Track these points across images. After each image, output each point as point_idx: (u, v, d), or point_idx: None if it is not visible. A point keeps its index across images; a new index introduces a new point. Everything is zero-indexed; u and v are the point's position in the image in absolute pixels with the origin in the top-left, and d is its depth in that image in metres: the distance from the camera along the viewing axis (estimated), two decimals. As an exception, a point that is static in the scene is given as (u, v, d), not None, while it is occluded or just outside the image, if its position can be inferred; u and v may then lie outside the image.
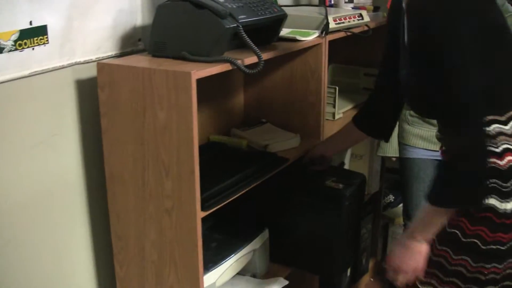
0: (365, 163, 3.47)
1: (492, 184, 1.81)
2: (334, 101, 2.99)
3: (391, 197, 4.04)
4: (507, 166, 1.80)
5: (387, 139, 2.41)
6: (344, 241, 2.53)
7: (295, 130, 2.71)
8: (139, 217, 2.12)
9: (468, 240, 1.90)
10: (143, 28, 2.30)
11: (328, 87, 2.85)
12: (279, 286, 2.45)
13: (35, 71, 1.97)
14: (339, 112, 3.07)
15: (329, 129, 2.85)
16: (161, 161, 1.99)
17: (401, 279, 2.07)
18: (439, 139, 2.03)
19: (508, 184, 1.81)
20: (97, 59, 2.12)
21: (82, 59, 2.13)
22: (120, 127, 2.05)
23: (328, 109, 2.97)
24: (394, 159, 3.18)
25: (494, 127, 1.82)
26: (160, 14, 2.06)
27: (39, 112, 2.03)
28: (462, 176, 1.78)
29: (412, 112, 2.84)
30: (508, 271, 1.94)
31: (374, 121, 2.40)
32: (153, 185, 2.04)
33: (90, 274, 2.37)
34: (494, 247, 1.87)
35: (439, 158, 2.12)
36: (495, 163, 1.81)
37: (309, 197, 2.50)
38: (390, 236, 3.92)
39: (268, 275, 2.59)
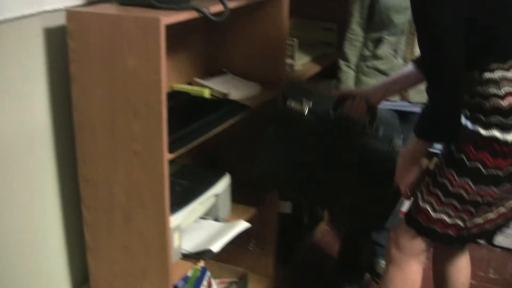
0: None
1: (495, 120, 2.04)
2: (293, 53, 3.07)
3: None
4: (508, 106, 2.02)
5: None
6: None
7: (255, 80, 2.79)
8: (108, 161, 2.19)
9: (472, 165, 2.09)
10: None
11: (287, 39, 2.93)
12: (240, 228, 2.54)
13: (4, 19, 2.00)
14: (297, 64, 3.15)
15: (289, 80, 2.94)
16: (130, 105, 2.06)
17: (403, 190, 2.31)
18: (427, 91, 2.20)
19: (509, 120, 2.03)
20: (65, 8, 2.16)
21: (50, 7, 2.16)
22: (90, 74, 2.10)
23: (288, 61, 3.05)
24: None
25: (498, 74, 2.02)
26: (128, -37, 2.11)
27: (8, 59, 2.07)
28: (438, 115, 2.08)
29: (368, 63, 2.92)
30: (503, 195, 2.16)
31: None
32: (122, 129, 2.11)
33: (58, 220, 2.43)
34: (494, 172, 2.08)
35: (397, 108, 2.28)
36: (498, 103, 2.02)
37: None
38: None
39: (230, 218, 2.70)
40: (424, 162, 2.28)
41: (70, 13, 2.08)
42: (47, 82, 2.22)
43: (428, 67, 2.10)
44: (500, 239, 3.73)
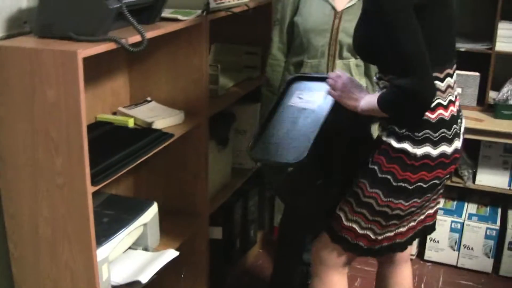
0: (249, 139, 3.60)
1: (408, 134, 2.10)
2: (217, 78, 3.09)
3: (275, 170, 4.19)
4: (436, 119, 2.10)
5: None
6: None
7: (180, 107, 2.79)
8: (32, 196, 2.16)
9: (383, 176, 2.15)
10: (28, 10, 2.32)
11: (210, 65, 2.95)
12: (169, 257, 2.53)
13: None
14: (222, 89, 3.17)
15: (214, 106, 2.97)
16: (51, 139, 2.04)
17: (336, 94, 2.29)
18: (379, 78, 2.21)
19: (420, 134, 2.09)
20: (-16, 42, 2.14)
21: (-34, 43, 2.14)
22: (10, 107, 2.08)
23: (212, 86, 3.06)
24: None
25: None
26: (45, -5, 2.10)
27: None
28: (412, 110, 2.06)
29: None
30: (411, 209, 2.21)
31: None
32: (44, 163, 2.09)
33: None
34: (403, 184, 2.13)
35: None
36: (426, 115, 2.09)
37: None
38: (276, 208, 4.05)
39: (160, 247, 2.68)
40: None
41: (-13, 48, 2.06)
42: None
43: (391, 56, 2.04)
44: (431, 253, 3.80)
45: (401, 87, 1.99)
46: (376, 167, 2.17)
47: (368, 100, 2.18)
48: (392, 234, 2.27)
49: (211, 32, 2.79)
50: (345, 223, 2.25)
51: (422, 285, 3.59)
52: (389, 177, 2.14)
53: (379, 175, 2.16)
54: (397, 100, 2.04)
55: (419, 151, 2.10)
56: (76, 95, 1.95)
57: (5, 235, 2.30)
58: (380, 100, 2.09)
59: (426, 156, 2.11)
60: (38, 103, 2.02)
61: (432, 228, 2.46)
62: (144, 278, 2.36)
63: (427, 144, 2.11)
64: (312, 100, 2.41)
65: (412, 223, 2.32)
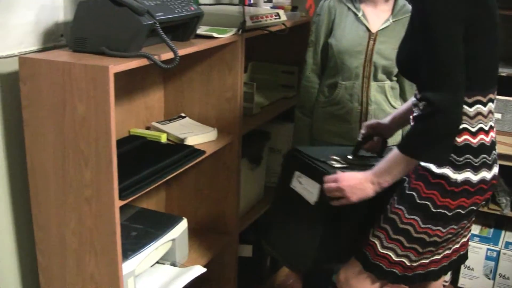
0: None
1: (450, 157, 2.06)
2: (252, 96, 3.10)
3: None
4: (478, 144, 2.07)
5: None
6: None
7: (213, 124, 2.80)
8: (60, 207, 2.19)
9: (422, 202, 2.11)
10: (65, 24, 2.37)
11: (245, 83, 2.96)
12: (196, 273, 2.53)
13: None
14: (257, 108, 3.17)
15: (248, 124, 2.97)
16: (81, 152, 2.07)
17: (336, 200, 2.19)
18: (414, 105, 2.16)
19: (461, 159, 2.06)
20: (19, 54, 2.17)
21: (4, 54, 2.18)
22: (42, 120, 2.12)
23: (247, 104, 3.07)
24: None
25: (475, 108, 2.06)
26: (80, 10, 2.13)
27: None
28: (438, 127, 1.98)
29: (324, 109, 2.94)
30: (448, 235, 2.18)
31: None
32: (73, 175, 2.11)
33: (14, 265, 2.42)
34: (442, 211, 2.10)
35: None
36: (468, 140, 2.06)
37: None
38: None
39: (188, 263, 2.69)
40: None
41: (22, 59, 2.09)
42: (1, 127, 2.23)
43: (428, 69, 2.01)
44: (465, 281, 3.75)
45: (429, 100, 1.95)
46: (414, 193, 2.13)
47: (381, 166, 2.13)
48: (427, 261, 2.23)
49: (248, 50, 2.80)
50: (380, 250, 2.21)
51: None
52: (428, 203, 2.11)
53: (418, 201, 2.12)
54: (423, 123, 2.00)
55: (460, 176, 2.07)
56: (107, 110, 1.97)
57: (34, 244, 2.32)
58: (403, 143, 2.08)
59: (467, 182, 2.08)
60: (69, 116, 2.05)
61: (465, 257, 2.41)
62: (170, 294, 2.37)
63: (468, 169, 2.07)
64: (309, 190, 2.32)
65: (447, 251, 2.28)
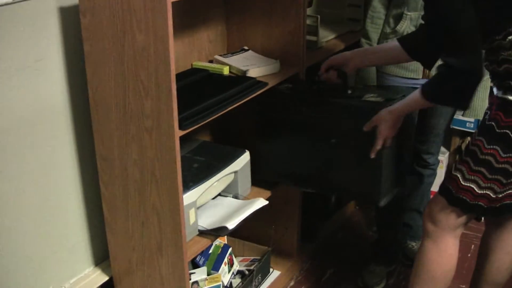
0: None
1: None
2: (316, 30, 3.05)
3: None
4: None
5: (429, 67, 2.45)
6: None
7: (276, 57, 2.77)
8: (122, 138, 2.22)
9: (501, 131, 2.08)
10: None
11: (309, 16, 2.91)
12: (258, 205, 2.54)
13: (19, -1, 2.03)
14: (322, 41, 3.13)
15: (311, 57, 2.93)
16: (141, 82, 2.08)
17: (379, 141, 2.37)
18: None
19: None
20: (78, -14, 2.18)
21: (64, -15, 2.20)
22: (102, 51, 2.13)
23: (311, 37, 3.03)
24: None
25: (509, 38, 2.01)
26: None
27: (24, 38, 2.11)
28: (458, 79, 2.09)
29: (390, 40, 2.88)
30: None
31: (422, 47, 2.39)
32: (134, 106, 2.13)
33: (78, 197, 2.48)
34: None
35: (418, 85, 2.27)
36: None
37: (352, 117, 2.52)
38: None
39: (250, 196, 2.69)
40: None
41: (82, -8, 2.10)
42: (63, 60, 2.26)
43: (445, 37, 2.10)
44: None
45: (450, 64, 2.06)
46: (494, 123, 2.10)
47: (402, 104, 2.32)
48: None
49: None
50: (463, 183, 2.17)
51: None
52: (508, 131, 2.07)
53: (497, 130, 2.09)
54: (446, 79, 2.13)
55: None
56: (165, 39, 1.96)
57: (97, 175, 2.36)
58: (427, 92, 2.19)
59: None
60: (128, 47, 2.05)
61: None
62: (231, 225, 2.38)
63: None
64: None
65: None
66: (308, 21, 2.88)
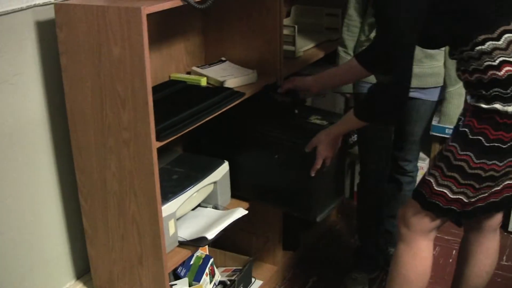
0: (327, 101, 3.58)
1: (495, 92, 2.05)
2: (294, 39, 3.07)
3: (355, 137, 4.13)
4: (505, 75, 2.03)
5: None
6: (321, 180, 2.62)
7: (254, 68, 2.79)
8: (100, 150, 2.22)
9: (474, 137, 2.11)
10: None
11: (286, 26, 2.93)
12: (238, 215, 2.55)
13: (-4, 12, 2.04)
14: (299, 51, 3.15)
15: (290, 67, 2.96)
16: (117, 94, 2.08)
17: (319, 161, 2.47)
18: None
19: (508, 91, 2.04)
20: (55, 1, 2.18)
21: (41, 1, 2.20)
22: (79, 64, 2.14)
23: (288, 47, 3.05)
24: (348, 95, 3.25)
25: (488, 44, 2.03)
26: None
27: (1, 52, 2.11)
28: (382, 104, 2.21)
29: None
30: (506, 169, 2.16)
31: (378, 59, 2.40)
32: (111, 119, 2.14)
33: (58, 210, 2.48)
34: (496, 144, 2.08)
35: None
36: (495, 74, 2.04)
37: (290, 134, 2.61)
38: (356, 174, 4.01)
39: (230, 206, 2.70)
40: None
41: (58, 6, 2.11)
42: (41, 74, 2.27)
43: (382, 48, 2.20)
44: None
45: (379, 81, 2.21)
46: (467, 130, 2.12)
47: (339, 123, 2.45)
48: (486, 194, 2.21)
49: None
50: (436, 188, 2.20)
51: (504, 258, 3.48)
52: (481, 138, 2.09)
53: (470, 136, 2.11)
54: (376, 97, 2.24)
55: (510, 108, 2.05)
56: (141, 52, 1.97)
57: (77, 188, 2.36)
58: (357, 112, 2.30)
59: None
60: (105, 59, 2.06)
61: None
62: (210, 235, 2.38)
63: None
64: None
65: (509, 182, 2.24)
66: (285, 31, 2.91)
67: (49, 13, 2.23)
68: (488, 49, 2.02)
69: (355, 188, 3.92)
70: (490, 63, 2.03)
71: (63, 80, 2.20)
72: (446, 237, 3.60)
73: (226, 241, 3.05)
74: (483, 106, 2.08)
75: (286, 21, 3.26)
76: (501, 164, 2.12)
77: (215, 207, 2.64)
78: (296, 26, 3.06)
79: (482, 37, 2.03)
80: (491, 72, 2.03)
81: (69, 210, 2.50)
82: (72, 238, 2.54)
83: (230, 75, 2.68)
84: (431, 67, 2.85)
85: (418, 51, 2.76)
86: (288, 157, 2.56)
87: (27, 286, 2.38)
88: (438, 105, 3.05)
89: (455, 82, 2.87)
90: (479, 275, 2.49)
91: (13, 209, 2.26)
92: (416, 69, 2.74)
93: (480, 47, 2.03)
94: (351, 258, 3.35)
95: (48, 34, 2.24)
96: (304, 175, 2.50)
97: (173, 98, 2.47)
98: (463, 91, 2.27)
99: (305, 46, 3.25)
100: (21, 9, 2.14)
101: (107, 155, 2.21)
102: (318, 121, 2.65)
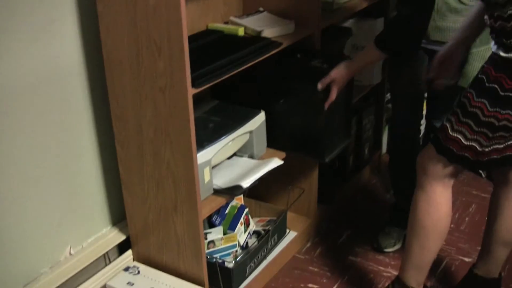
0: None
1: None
2: (332, -10, 3.04)
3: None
4: None
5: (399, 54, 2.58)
6: (329, 122, 2.66)
7: (291, 18, 2.77)
8: (136, 97, 2.23)
9: (490, 85, 2.09)
10: None
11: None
12: (273, 165, 2.55)
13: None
14: (338, 2, 3.11)
15: (327, 19, 2.93)
16: (153, 42, 2.09)
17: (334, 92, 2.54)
18: None
19: None
20: None
21: None
22: (115, 12, 2.14)
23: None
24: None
25: None
26: None
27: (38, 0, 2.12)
28: (400, 33, 2.34)
29: None
30: None
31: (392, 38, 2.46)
32: (147, 66, 2.14)
33: (95, 157, 2.50)
34: (510, 94, 2.05)
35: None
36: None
37: (294, 79, 2.64)
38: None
39: (266, 156, 2.70)
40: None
41: (95, -48, 2.12)
42: (77, 21, 2.27)
43: None
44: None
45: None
46: (484, 77, 2.11)
47: (360, 55, 2.54)
48: (501, 146, 2.19)
49: None
50: (451, 133, 2.19)
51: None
52: (496, 86, 2.07)
53: (486, 84, 2.09)
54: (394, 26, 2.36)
55: None
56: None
57: (113, 136, 2.39)
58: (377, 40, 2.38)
59: None
60: (141, 7, 2.06)
61: None
62: (246, 183, 2.40)
63: None
64: None
65: None
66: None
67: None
68: (503, 1, 1.97)
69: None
70: (502, 14, 1.99)
71: (100, 27, 2.21)
72: (483, 195, 3.56)
73: (262, 192, 3.08)
74: (502, 54, 2.05)
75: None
76: None
77: (251, 157, 2.65)
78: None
79: None
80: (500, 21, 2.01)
81: (106, 157, 2.52)
82: (108, 185, 2.58)
83: (267, 25, 2.67)
84: (455, 21, 2.79)
85: (442, 4, 2.73)
86: (293, 101, 2.64)
87: (64, 229, 2.42)
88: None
89: (479, 43, 2.81)
90: (509, 229, 2.47)
91: (51, 154, 2.29)
92: (439, 22, 2.71)
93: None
94: (386, 213, 3.34)
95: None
96: (310, 115, 2.60)
97: (209, 47, 2.48)
98: (487, 53, 2.25)
99: (343, -1, 3.21)
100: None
101: (143, 102, 2.22)
102: (318, 65, 2.68)
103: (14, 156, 2.15)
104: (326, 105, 2.53)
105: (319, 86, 2.50)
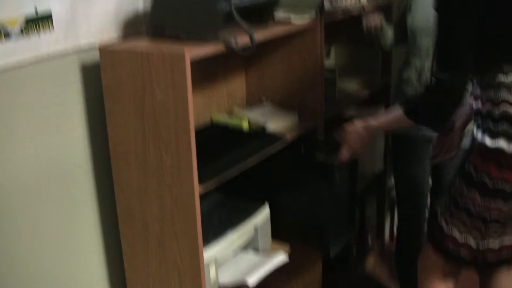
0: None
1: (503, 129, 2.00)
2: (334, 82, 3.06)
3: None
4: None
5: (437, 128, 2.43)
6: (336, 215, 2.65)
7: (295, 109, 2.79)
8: (142, 193, 2.22)
9: (478, 179, 2.06)
10: (144, 11, 2.38)
11: (327, 68, 2.92)
12: (278, 261, 2.52)
13: (41, 57, 2.06)
14: (339, 93, 3.13)
15: (330, 109, 2.93)
16: (161, 138, 2.08)
17: (344, 150, 2.48)
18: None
19: None
20: (100, 44, 2.20)
21: (86, 44, 2.22)
22: (122, 108, 2.15)
23: (329, 90, 3.03)
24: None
25: (511, 78, 1.99)
26: (158, -2, 2.15)
27: (46, 95, 2.12)
28: (437, 104, 2.12)
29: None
30: None
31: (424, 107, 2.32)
32: (154, 162, 2.14)
33: (99, 253, 2.47)
34: (500, 186, 2.02)
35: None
36: (507, 111, 1.99)
37: (298, 172, 2.64)
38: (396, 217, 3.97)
39: (271, 251, 2.67)
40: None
41: (103, 50, 2.13)
42: (85, 117, 2.28)
43: (439, 51, 2.10)
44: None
45: (439, 79, 2.06)
46: (472, 168, 2.09)
47: (383, 118, 2.37)
48: (497, 246, 2.15)
49: (331, 32, 2.75)
50: (445, 230, 2.18)
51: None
52: (485, 177, 2.04)
53: (475, 175, 2.07)
54: (430, 97, 2.15)
55: None
56: (184, 95, 1.98)
57: (118, 231, 2.36)
58: (408, 110, 2.22)
59: None
60: (148, 103, 2.07)
61: None
62: (252, 282, 2.36)
63: None
64: None
65: None
66: (325, 73, 2.89)
67: (94, 56, 2.24)
68: (509, 82, 1.98)
69: (395, 232, 3.89)
70: (506, 97, 1.99)
71: (107, 123, 2.21)
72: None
73: (266, 284, 3.03)
74: (488, 144, 2.03)
75: (326, 61, 3.23)
76: (504, 206, 2.06)
77: (255, 249, 2.62)
78: (336, 69, 3.04)
79: (509, 68, 1.99)
80: (504, 106, 1.99)
81: (111, 254, 2.49)
82: (113, 281, 2.53)
83: (271, 118, 2.68)
84: None
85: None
86: (297, 194, 2.65)
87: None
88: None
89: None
90: None
91: (54, 249, 2.26)
92: None
93: (503, 77, 1.99)
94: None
95: (92, 77, 2.25)
96: (316, 207, 2.59)
97: (215, 142, 2.47)
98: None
99: (345, 88, 3.23)
100: (67, 52, 2.15)
101: (149, 198, 2.20)
102: (322, 158, 2.63)
103: (16, 252, 2.12)
104: (335, 161, 2.49)
105: (335, 136, 2.49)
